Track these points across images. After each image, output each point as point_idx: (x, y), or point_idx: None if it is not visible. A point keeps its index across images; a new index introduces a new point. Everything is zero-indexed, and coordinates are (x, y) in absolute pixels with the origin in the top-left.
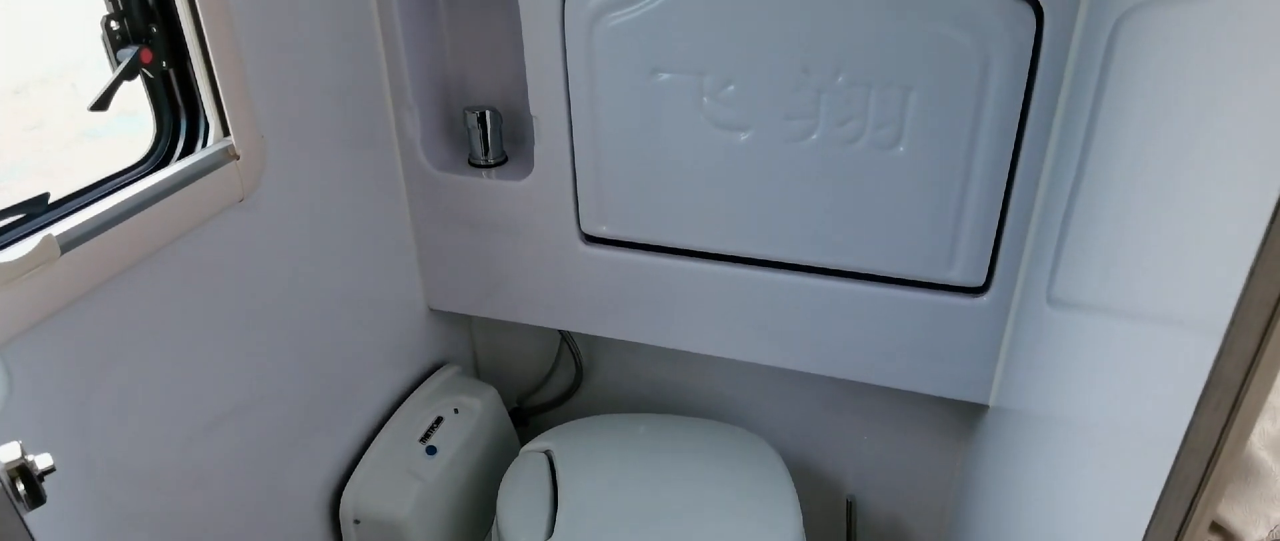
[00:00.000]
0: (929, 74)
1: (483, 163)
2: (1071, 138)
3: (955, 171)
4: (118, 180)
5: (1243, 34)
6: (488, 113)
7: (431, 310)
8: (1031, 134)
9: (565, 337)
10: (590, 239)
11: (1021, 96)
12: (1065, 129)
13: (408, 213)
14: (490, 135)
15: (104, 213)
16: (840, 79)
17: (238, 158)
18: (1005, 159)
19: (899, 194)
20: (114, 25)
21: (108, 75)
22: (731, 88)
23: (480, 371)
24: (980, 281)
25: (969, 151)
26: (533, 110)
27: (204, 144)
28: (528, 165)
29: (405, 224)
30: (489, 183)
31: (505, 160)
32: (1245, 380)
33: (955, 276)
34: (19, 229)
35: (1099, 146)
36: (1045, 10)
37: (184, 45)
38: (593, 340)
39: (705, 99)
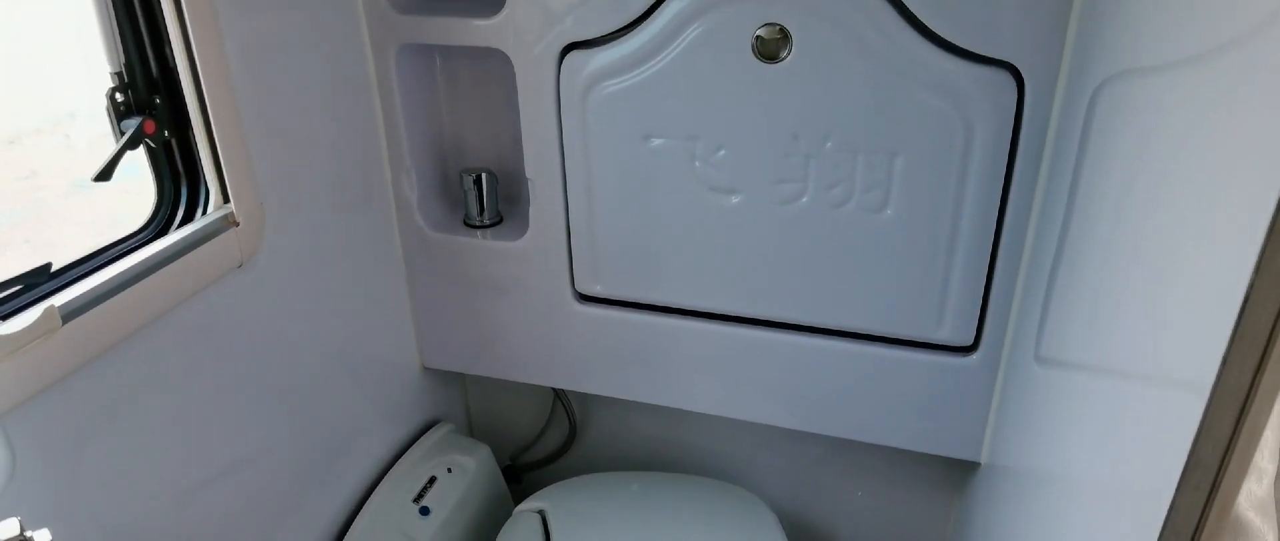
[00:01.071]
0: (914, 140)
1: (478, 223)
2: (1055, 199)
3: (942, 233)
4: (119, 247)
5: (1214, 101)
6: (484, 175)
7: (425, 368)
8: (1016, 196)
9: (559, 395)
10: (584, 298)
11: (1005, 160)
12: (1049, 191)
13: (403, 272)
14: (486, 196)
15: (105, 282)
16: (828, 145)
17: (237, 224)
18: (991, 221)
19: (888, 255)
20: (118, 96)
21: (101, 126)
22: (722, 152)
23: (474, 429)
24: (969, 340)
25: (955, 214)
26: (528, 172)
27: (204, 211)
28: (523, 225)
29: (400, 283)
30: (484, 243)
31: (500, 220)
32: (1231, 441)
33: (944, 336)
34: (21, 298)
35: (1082, 208)
36: (1025, 79)
37: (186, 115)
38: (586, 397)
39: (697, 163)
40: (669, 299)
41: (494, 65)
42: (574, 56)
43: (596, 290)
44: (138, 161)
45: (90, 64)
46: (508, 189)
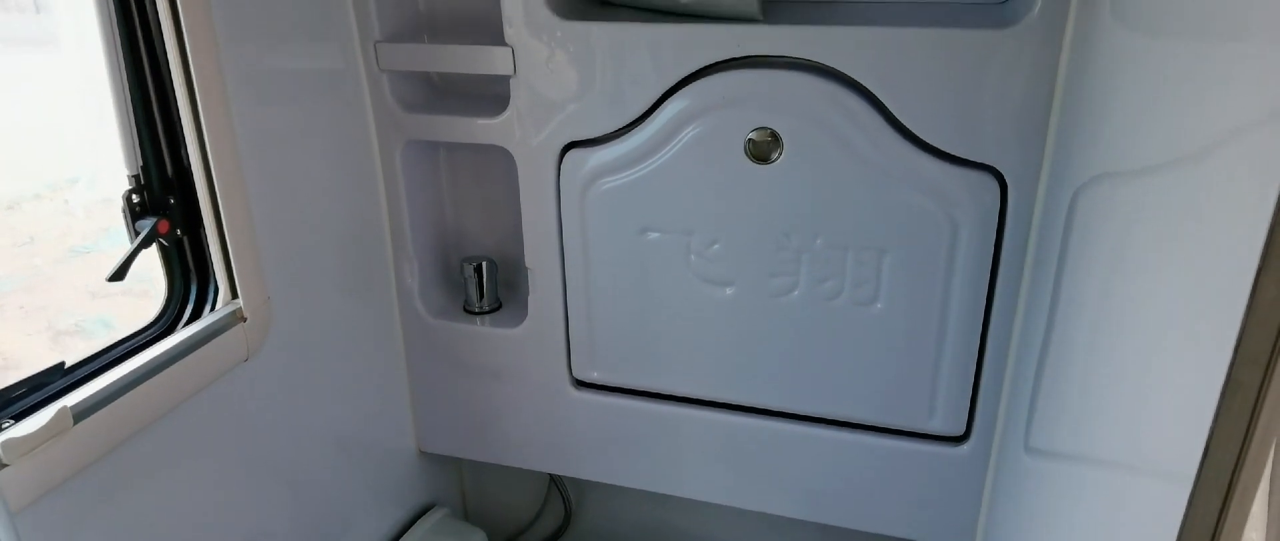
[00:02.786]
0: (902, 238)
1: (478, 309)
2: (1040, 295)
3: (931, 327)
4: (130, 342)
5: (1184, 204)
6: (484, 263)
7: (422, 452)
8: (1002, 292)
9: (554, 480)
10: (581, 384)
11: (991, 257)
12: (1034, 287)
13: (403, 357)
14: (486, 284)
15: (116, 381)
16: (819, 242)
17: (245, 320)
18: (978, 315)
19: (879, 347)
20: (135, 198)
21: (100, 191)
22: (717, 246)
23: (469, 513)
24: (960, 431)
25: (943, 308)
26: (528, 262)
27: (212, 307)
28: (521, 312)
29: (400, 368)
30: (484, 329)
31: (499, 306)
32: (1216, 529)
33: (936, 426)
34: (33, 396)
35: (1065, 303)
36: (1008, 182)
37: (198, 214)
38: (581, 482)
39: (693, 256)
40: (665, 386)
41: (496, 158)
42: (574, 154)
43: (593, 377)
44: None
45: (93, 131)
46: (506, 275)
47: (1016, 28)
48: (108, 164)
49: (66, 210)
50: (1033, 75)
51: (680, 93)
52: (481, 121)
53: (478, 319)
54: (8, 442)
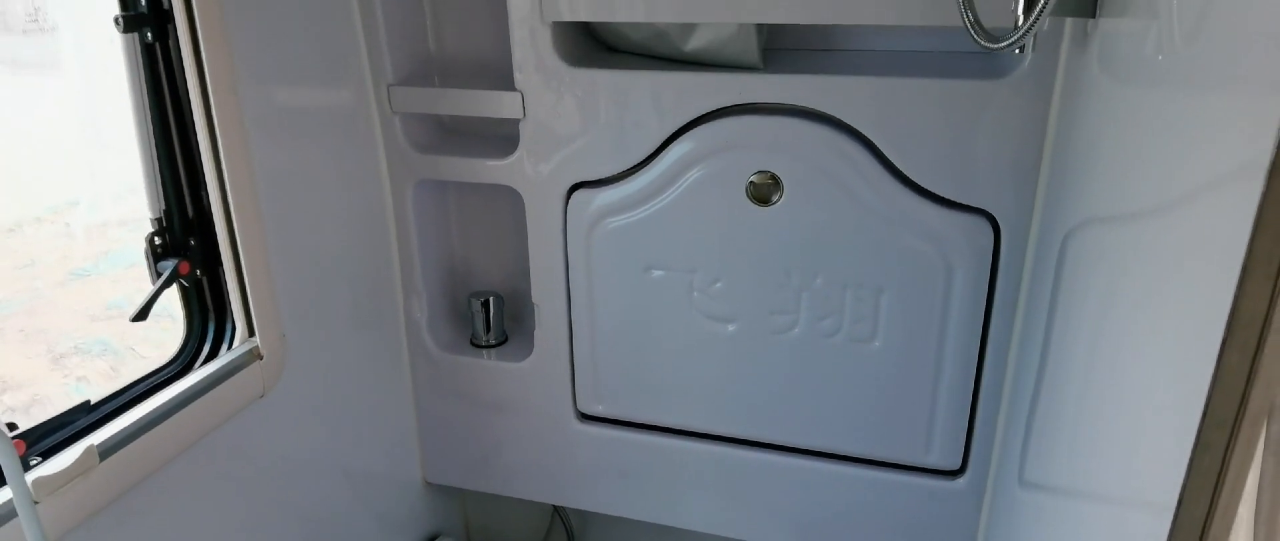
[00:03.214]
0: (899, 278)
1: (484, 343)
2: (1033, 333)
3: (928, 363)
4: (150, 379)
5: (1169, 248)
6: (491, 298)
7: (428, 483)
8: (996, 330)
9: (557, 511)
10: (585, 417)
11: (985, 297)
12: (1027, 325)
13: (410, 390)
14: (492, 318)
15: (140, 418)
16: (818, 281)
17: (261, 358)
18: (973, 352)
19: (877, 383)
20: (157, 240)
21: (101, 215)
22: (719, 284)
23: None
24: (956, 465)
25: (940, 345)
26: (535, 298)
27: (229, 345)
28: (527, 345)
29: (407, 401)
30: (490, 363)
31: (505, 340)
32: None
33: (933, 460)
34: (60, 434)
35: (1058, 341)
36: (1001, 225)
37: (217, 254)
38: (584, 513)
39: (695, 293)
40: (667, 420)
41: (503, 195)
42: (580, 194)
43: (597, 410)
44: (127, 246)
45: (94, 155)
46: (512, 308)
47: (1008, 79)
48: (108, 187)
49: (67, 233)
50: (1024, 124)
51: (684, 137)
52: (491, 162)
53: (484, 352)
54: (38, 481)
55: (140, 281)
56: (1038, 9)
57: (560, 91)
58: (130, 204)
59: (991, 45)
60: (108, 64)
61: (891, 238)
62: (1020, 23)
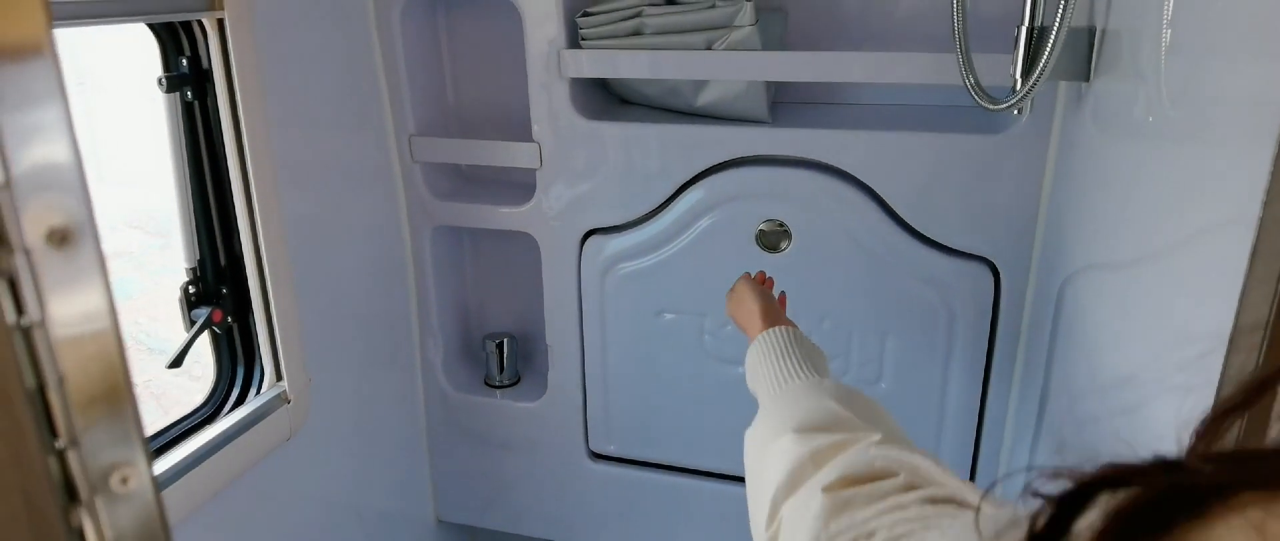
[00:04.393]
0: (903, 322)
1: (498, 383)
2: (1033, 374)
3: (932, 404)
4: (182, 424)
5: (1161, 294)
6: (505, 340)
7: (440, 521)
8: (997, 372)
9: None
10: (597, 456)
11: (986, 341)
12: (1027, 367)
13: (424, 429)
14: (506, 359)
15: (173, 466)
16: (825, 324)
17: (289, 402)
18: (976, 393)
19: None
20: (191, 289)
21: (110, 245)
22: (730, 327)
23: None
24: None
25: (943, 386)
26: (548, 340)
27: (257, 390)
28: (539, 385)
29: (421, 440)
30: (504, 403)
31: (518, 380)
32: None
33: None
34: None
35: (1057, 384)
36: (1001, 272)
37: (248, 301)
38: None
39: (706, 337)
40: (678, 459)
41: (516, 240)
42: (595, 240)
43: (609, 449)
44: (126, 278)
45: (94, 186)
46: (524, 347)
47: (1007, 134)
48: (104, 220)
49: None
50: (1022, 176)
51: (695, 186)
52: (508, 210)
53: (498, 392)
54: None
55: (135, 313)
56: (1035, 76)
57: (576, 143)
58: (125, 237)
59: (992, 106)
60: (107, 106)
61: (895, 283)
62: (1018, 87)
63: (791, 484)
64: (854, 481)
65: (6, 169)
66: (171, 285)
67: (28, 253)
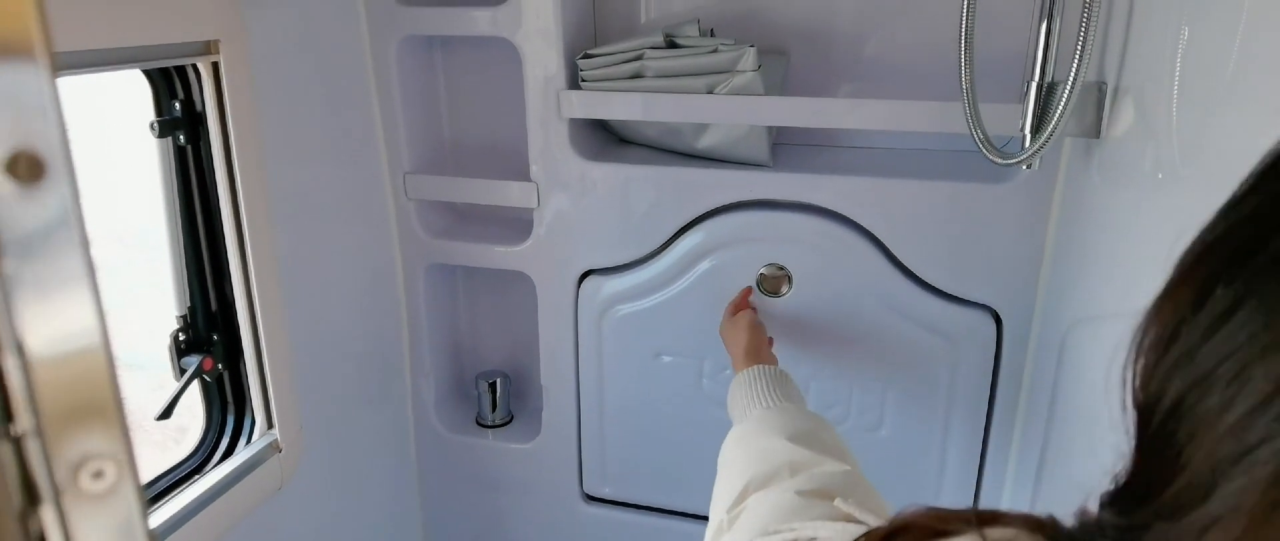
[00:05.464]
0: (905, 368)
1: (490, 423)
2: (1035, 421)
3: (933, 451)
4: (171, 475)
5: None
6: (498, 379)
7: None
8: (999, 418)
9: None
10: (591, 498)
11: (988, 388)
12: (1029, 414)
13: (415, 470)
14: (499, 399)
15: (164, 522)
16: (826, 370)
17: (280, 451)
18: (977, 440)
19: (883, 472)
20: (181, 336)
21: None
22: (728, 371)
23: None
24: None
25: (944, 433)
26: (543, 381)
27: (248, 439)
28: (532, 425)
29: (412, 480)
30: (496, 444)
31: (511, 419)
32: None
33: None
34: None
35: (1058, 432)
36: (1003, 320)
37: (239, 348)
38: None
39: (705, 380)
40: (674, 503)
41: (509, 278)
42: (592, 280)
43: (604, 492)
44: (121, 277)
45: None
46: (517, 386)
47: (1011, 184)
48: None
49: None
50: (1025, 226)
51: (695, 228)
52: (503, 249)
53: (489, 432)
54: None
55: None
56: (1046, 134)
57: (574, 183)
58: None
59: (1001, 161)
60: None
61: (897, 330)
62: (1027, 143)
63: (767, 478)
64: (826, 495)
65: None
66: (149, 298)
67: None
